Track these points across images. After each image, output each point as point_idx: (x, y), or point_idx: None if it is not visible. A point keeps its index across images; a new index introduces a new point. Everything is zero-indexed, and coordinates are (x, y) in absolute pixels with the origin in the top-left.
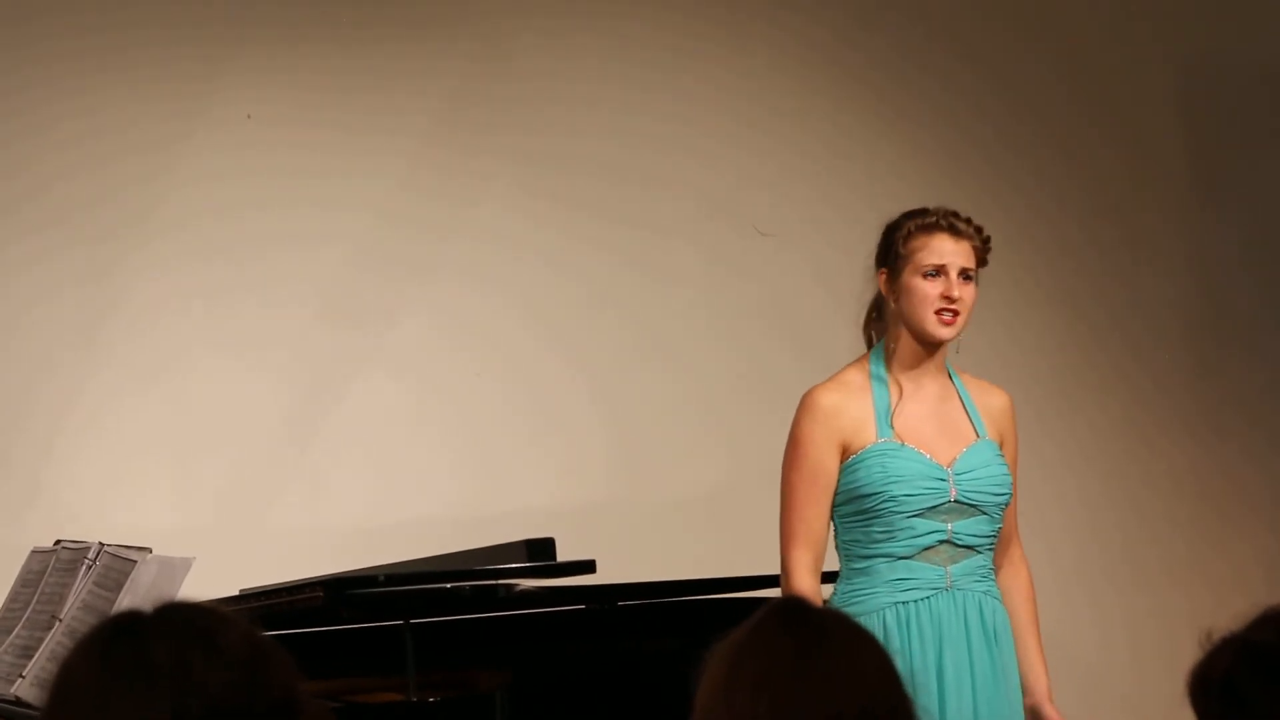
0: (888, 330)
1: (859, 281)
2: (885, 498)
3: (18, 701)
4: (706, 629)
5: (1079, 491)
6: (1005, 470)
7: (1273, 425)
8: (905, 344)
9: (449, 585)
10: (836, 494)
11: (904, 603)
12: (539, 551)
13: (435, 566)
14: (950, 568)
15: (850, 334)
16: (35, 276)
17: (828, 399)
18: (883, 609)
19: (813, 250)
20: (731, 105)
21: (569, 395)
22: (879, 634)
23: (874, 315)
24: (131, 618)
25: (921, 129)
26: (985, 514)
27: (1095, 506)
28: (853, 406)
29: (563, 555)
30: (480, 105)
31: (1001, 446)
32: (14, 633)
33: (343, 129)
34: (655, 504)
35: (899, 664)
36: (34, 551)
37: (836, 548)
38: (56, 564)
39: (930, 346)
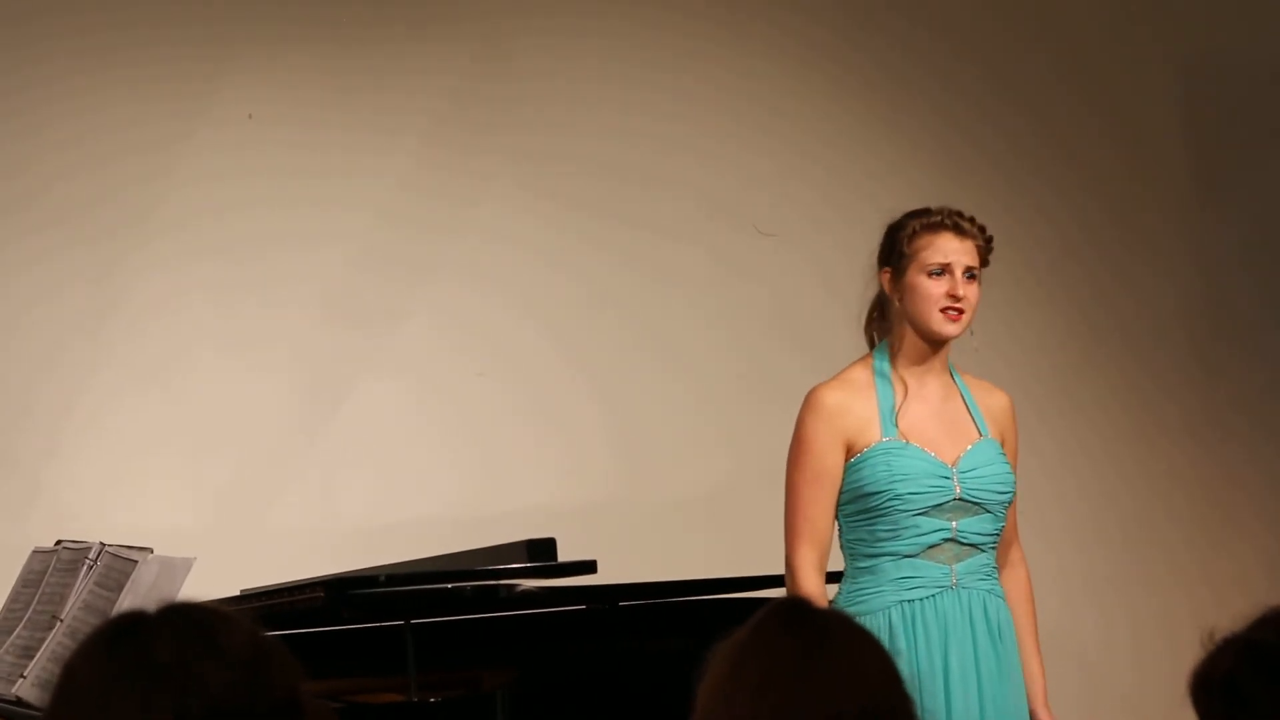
0: (891, 329)
1: (860, 281)
2: (891, 496)
3: (19, 702)
4: (708, 629)
5: (1079, 490)
6: (1008, 469)
7: (1274, 424)
8: (910, 343)
9: (450, 586)
10: (841, 493)
11: (909, 601)
12: (540, 552)
13: (436, 567)
14: (955, 566)
15: (851, 333)
16: (36, 276)
17: (832, 397)
18: (888, 607)
19: (814, 250)
20: (732, 105)
21: (570, 395)
22: (885, 632)
23: (875, 315)
24: (135, 618)
25: (922, 129)
26: (989, 512)
27: (1096, 506)
28: (857, 405)
29: (564, 555)
30: (481, 105)
31: (1002, 446)
32: (15, 633)
33: (343, 129)
34: (656, 503)
35: (904, 663)
36: (35, 552)
37: (841, 547)
38: (57, 564)
39: (934, 345)
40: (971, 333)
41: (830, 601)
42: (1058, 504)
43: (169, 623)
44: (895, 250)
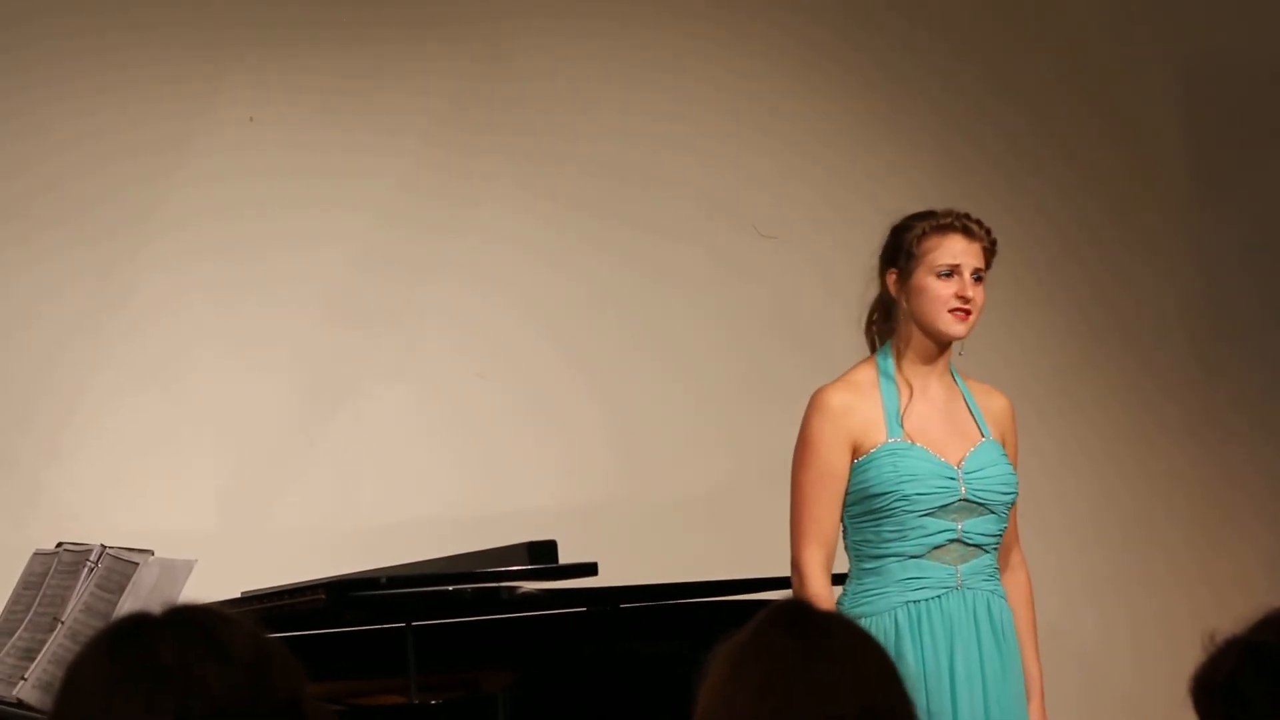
0: (896, 331)
1: (860, 281)
2: (898, 496)
3: (20, 704)
4: (708, 631)
5: (1079, 490)
6: (1011, 470)
7: (1274, 424)
8: (916, 344)
9: (451, 588)
10: (846, 494)
11: (915, 602)
12: (541, 554)
13: (437, 569)
14: (960, 567)
15: (852, 334)
16: (37, 276)
17: (838, 398)
18: (894, 608)
19: (814, 250)
20: (732, 105)
21: (570, 396)
22: (891, 633)
23: (876, 316)
24: (138, 619)
25: (922, 129)
26: (993, 513)
27: (1096, 506)
28: (863, 406)
29: (564, 556)
30: (481, 105)
31: (1003, 448)
32: (15, 635)
33: (344, 130)
34: (657, 504)
35: (911, 663)
36: (36, 554)
37: (845, 548)
38: (58, 566)
39: (940, 346)
40: (961, 350)
41: (836, 603)
42: (1058, 504)
43: (172, 625)
44: (902, 251)
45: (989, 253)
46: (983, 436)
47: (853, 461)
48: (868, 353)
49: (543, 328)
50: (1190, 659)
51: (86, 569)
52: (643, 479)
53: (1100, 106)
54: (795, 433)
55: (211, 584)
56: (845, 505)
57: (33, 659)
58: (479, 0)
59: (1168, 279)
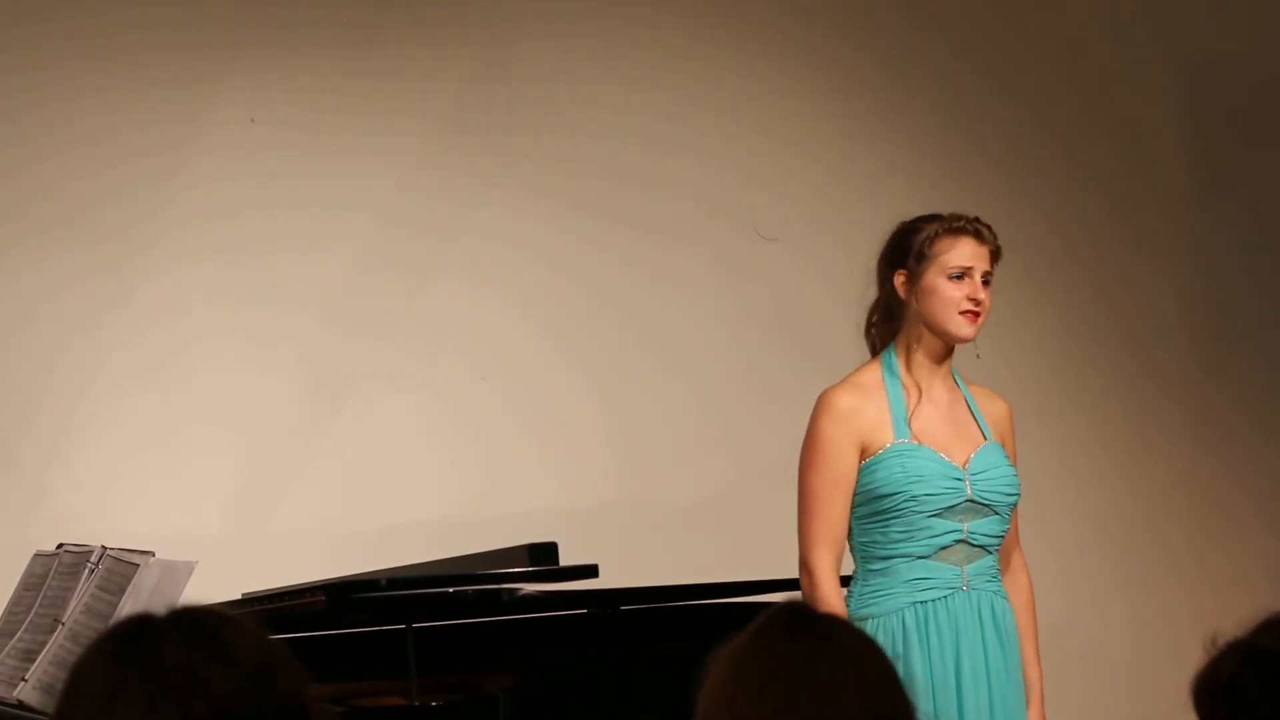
0: (902, 332)
1: (861, 283)
2: (906, 497)
3: (20, 705)
4: (710, 633)
5: (1080, 491)
6: (1014, 471)
7: (1274, 425)
8: (924, 346)
9: (452, 590)
10: (854, 495)
11: (922, 602)
12: (542, 556)
13: (438, 570)
14: (966, 568)
15: (853, 335)
16: (38, 277)
17: (846, 400)
18: (901, 609)
19: (816, 251)
20: (733, 106)
21: (572, 397)
22: (898, 634)
23: (876, 318)
24: (142, 621)
25: (923, 130)
26: (997, 514)
27: (1097, 507)
28: (870, 408)
29: (566, 558)
30: (484, 107)
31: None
32: (16, 636)
33: (345, 131)
34: (658, 507)
35: (918, 664)
36: (36, 555)
37: (851, 549)
38: (59, 567)
39: (947, 348)
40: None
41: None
42: (1058, 504)
43: (176, 626)
44: (913, 253)
45: (995, 256)
46: (985, 439)
47: (860, 463)
48: (868, 354)
49: (544, 329)
50: (1191, 661)
51: (87, 570)
52: (643, 481)
53: (1100, 107)
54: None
55: (212, 585)
56: (852, 506)
57: (33, 660)
58: (481, 2)
59: (1168, 279)
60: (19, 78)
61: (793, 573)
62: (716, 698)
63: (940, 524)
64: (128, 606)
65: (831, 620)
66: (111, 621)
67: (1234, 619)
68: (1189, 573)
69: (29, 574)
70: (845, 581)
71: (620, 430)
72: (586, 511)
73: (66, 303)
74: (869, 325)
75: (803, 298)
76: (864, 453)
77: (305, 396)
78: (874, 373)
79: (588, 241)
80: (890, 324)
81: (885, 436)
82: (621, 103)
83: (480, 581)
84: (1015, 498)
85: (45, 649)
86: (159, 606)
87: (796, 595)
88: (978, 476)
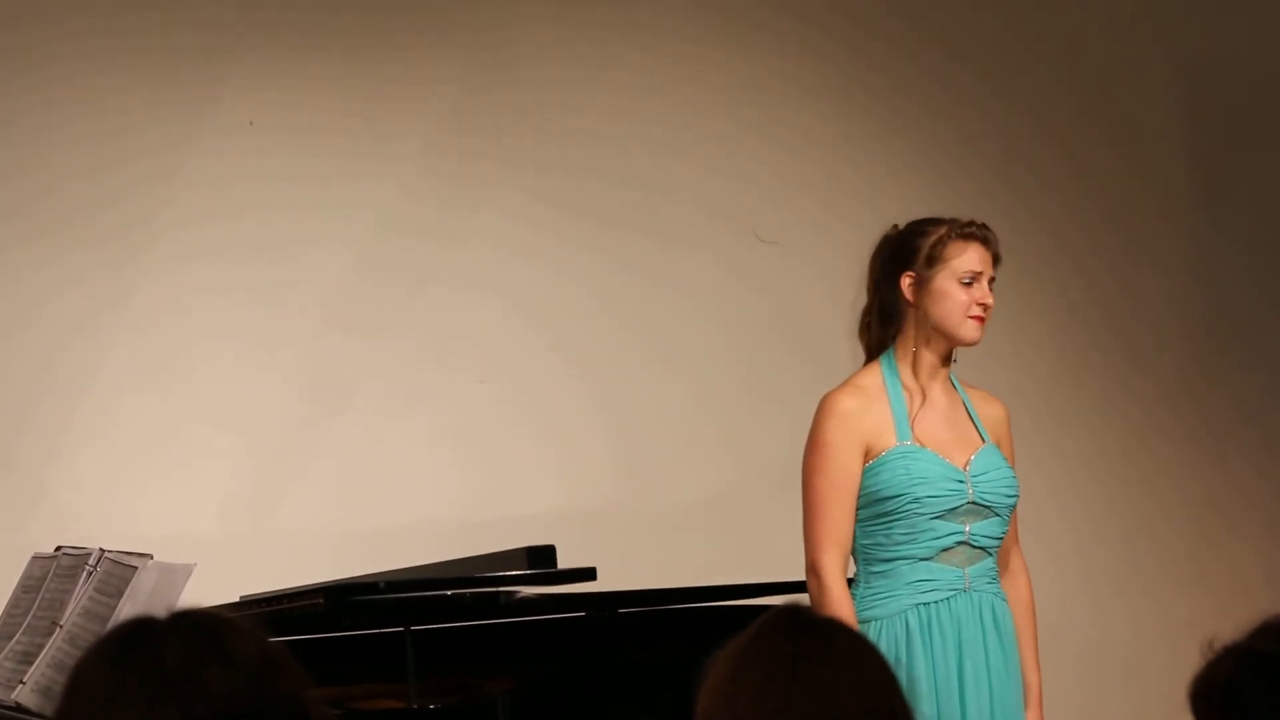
0: (906, 335)
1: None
2: (910, 499)
3: (18, 708)
4: (708, 636)
5: (1078, 495)
6: (1013, 473)
7: (1273, 428)
8: (930, 348)
9: (450, 592)
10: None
11: (925, 604)
12: (540, 559)
13: (437, 573)
14: (968, 569)
15: (853, 338)
16: (38, 279)
17: (848, 403)
18: (904, 611)
19: (816, 255)
20: (732, 111)
21: (572, 401)
22: (901, 636)
23: (872, 321)
24: (143, 623)
25: (922, 133)
26: (998, 516)
27: (1095, 510)
28: (873, 410)
29: (565, 561)
30: (484, 112)
31: None
32: (14, 638)
33: (345, 135)
34: (658, 510)
35: (921, 666)
36: (34, 557)
37: (853, 552)
38: (57, 570)
39: (950, 351)
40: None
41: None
42: (1056, 509)
43: (176, 629)
44: (921, 256)
45: (997, 260)
46: (983, 441)
47: (864, 465)
48: (864, 358)
49: (543, 332)
50: (1189, 664)
51: (85, 573)
52: (643, 484)
53: (1100, 109)
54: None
55: (210, 588)
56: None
57: (31, 663)
58: (481, 7)
59: (1167, 282)
60: (20, 80)
61: (792, 575)
62: (716, 698)
63: (943, 526)
64: (126, 609)
65: (831, 623)
66: (110, 624)
67: (1231, 622)
68: (1187, 576)
69: (27, 576)
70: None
71: (619, 433)
72: (585, 514)
73: (66, 304)
74: (864, 327)
75: (802, 301)
76: (867, 455)
77: (304, 399)
78: (874, 376)
79: (587, 245)
80: (888, 326)
81: (888, 439)
82: (620, 107)
83: (479, 584)
84: (1015, 499)
85: (43, 651)
86: (157, 609)
87: (795, 598)
88: (979, 478)
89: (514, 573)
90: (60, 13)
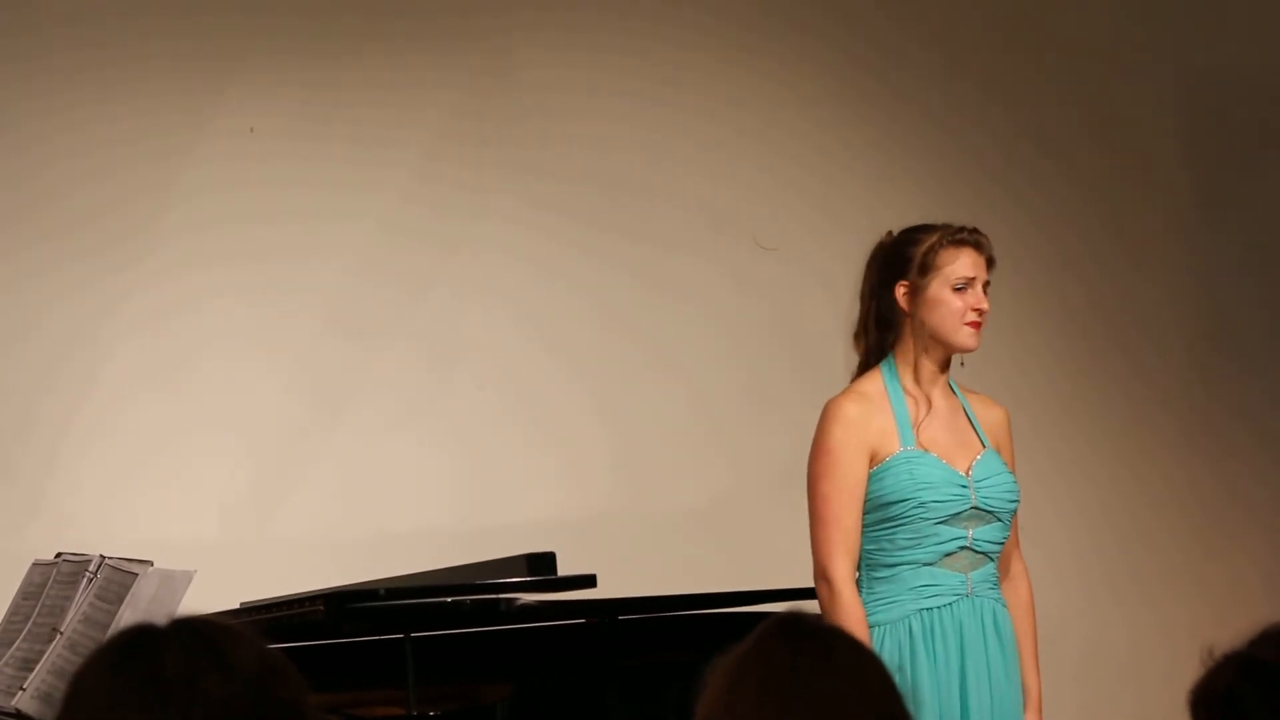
0: (904, 342)
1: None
2: (915, 504)
3: (18, 714)
4: (708, 643)
5: (1076, 502)
6: (1014, 478)
7: (1273, 437)
8: (929, 355)
9: (449, 599)
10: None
11: (928, 609)
12: (540, 566)
13: (436, 580)
14: (970, 574)
15: (852, 345)
16: (39, 286)
17: (853, 408)
18: (908, 616)
19: (815, 263)
20: (731, 118)
21: (571, 408)
22: (905, 641)
23: (869, 329)
24: (143, 630)
25: (922, 140)
26: (1000, 520)
27: (1094, 518)
28: (876, 416)
29: (564, 567)
30: (483, 119)
31: None
32: (14, 645)
33: (345, 141)
34: (657, 517)
35: (925, 670)
36: (35, 564)
37: None
38: (57, 576)
39: (948, 358)
40: (962, 363)
41: None
42: (1055, 515)
43: (177, 636)
44: (915, 264)
45: (991, 264)
46: (983, 446)
47: (868, 471)
48: (860, 366)
49: (542, 339)
50: (1188, 672)
51: (85, 579)
52: (642, 491)
53: (1099, 117)
54: (795, 443)
55: (210, 595)
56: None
57: (31, 669)
58: (481, 14)
59: (1166, 289)
60: (19, 87)
61: (792, 582)
62: (715, 706)
63: (946, 530)
64: (126, 616)
65: (831, 630)
66: (110, 631)
67: (1231, 630)
68: (1186, 584)
69: (27, 583)
70: None
71: (619, 440)
72: (585, 521)
73: (66, 311)
74: (859, 334)
75: (801, 307)
76: (871, 460)
77: (304, 406)
78: (875, 382)
79: (586, 251)
80: (885, 334)
81: (892, 444)
82: (620, 113)
83: (478, 591)
84: (1016, 504)
85: (43, 658)
86: (157, 616)
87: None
88: (981, 483)
89: (514, 579)
90: (59, 21)
